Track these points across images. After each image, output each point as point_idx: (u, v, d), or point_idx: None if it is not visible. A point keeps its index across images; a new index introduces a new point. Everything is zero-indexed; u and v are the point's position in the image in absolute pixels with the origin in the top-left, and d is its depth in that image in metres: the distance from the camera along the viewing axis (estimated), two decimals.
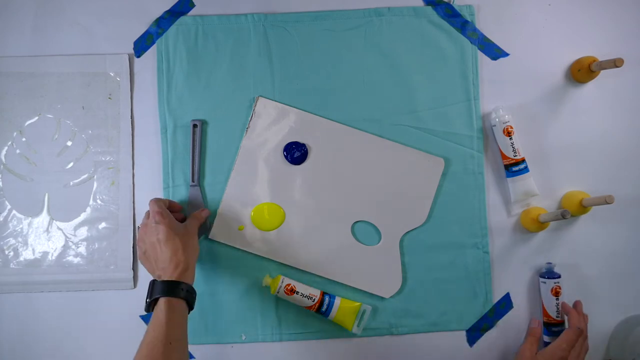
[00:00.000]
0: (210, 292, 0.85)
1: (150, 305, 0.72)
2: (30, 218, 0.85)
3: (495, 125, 0.86)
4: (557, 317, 0.84)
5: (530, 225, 0.85)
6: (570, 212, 0.78)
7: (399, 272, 0.85)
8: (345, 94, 0.87)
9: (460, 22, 0.88)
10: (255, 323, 0.85)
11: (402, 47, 0.87)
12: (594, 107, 0.88)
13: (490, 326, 0.86)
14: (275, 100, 0.86)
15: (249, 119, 0.86)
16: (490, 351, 0.86)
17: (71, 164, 0.86)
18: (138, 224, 0.85)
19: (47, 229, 0.85)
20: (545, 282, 0.85)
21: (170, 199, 0.85)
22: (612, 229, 0.87)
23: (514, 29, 0.89)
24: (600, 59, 0.85)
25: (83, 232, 0.85)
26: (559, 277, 0.84)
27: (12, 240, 0.85)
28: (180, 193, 0.85)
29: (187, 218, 0.81)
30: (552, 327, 0.84)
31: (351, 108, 0.86)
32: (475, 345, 0.86)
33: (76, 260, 0.85)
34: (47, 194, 0.86)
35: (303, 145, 0.85)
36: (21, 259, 0.85)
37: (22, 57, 0.86)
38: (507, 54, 0.88)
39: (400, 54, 0.87)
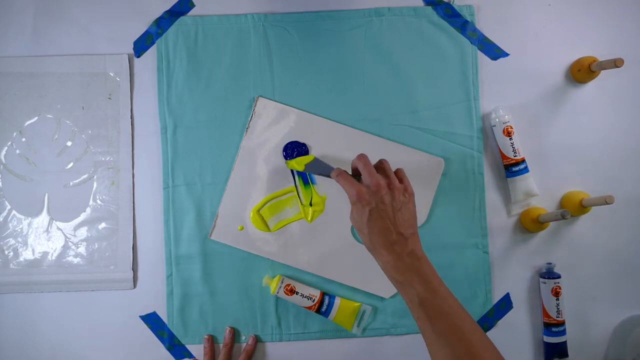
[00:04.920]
0: (210, 292, 0.85)
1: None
2: (30, 218, 0.85)
3: (495, 125, 0.86)
4: (557, 317, 0.84)
5: (530, 226, 0.85)
6: (570, 212, 0.78)
7: None
8: (345, 94, 0.87)
9: (460, 22, 0.88)
10: (255, 323, 0.85)
11: (402, 47, 0.87)
12: (594, 107, 0.88)
13: (490, 326, 0.86)
14: (275, 101, 0.86)
15: (249, 119, 0.86)
16: None
17: (71, 164, 0.86)
18: (138, 224, 0.85)
19: (47, 229, 0.85)
20: (545, 282, 0.85)
21: (170, 199, 0.85)
22: (612, 229, 0.87)
23: (514, 29, 0.89)
24: (600, 59, 0.85)
25: (83, 232, 0.85)
26: (559, 277, 0.84)
27: (12, 241, 0.85)
28: (180, 193, 0.85)
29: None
30: (552, 328, 0.84)
31: (351, 108, 0.86)
32: None
33: (76, 260, 0.85)
34: (47, 194, 0.86)
35: (303, 145, 0.85)
36: (21, 259, 0.85)
37: (22, 57, 0.86)
38: (507, 54, 0.88)
39: (400, 54, 0.87)
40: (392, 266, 0.64)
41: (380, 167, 0.71)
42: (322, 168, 0.80)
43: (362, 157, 0.70)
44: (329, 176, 0.75)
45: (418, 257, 0.65)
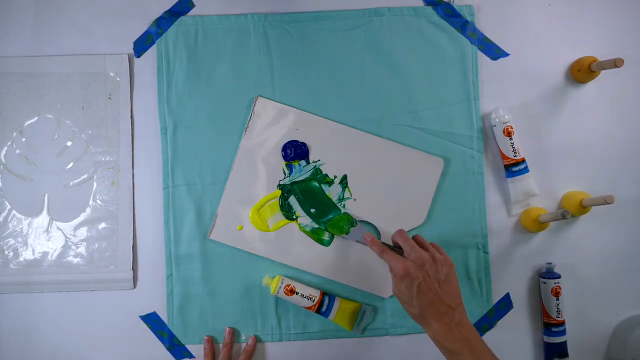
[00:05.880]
0: (210, 292, 0.85)
1: None
2: (30, 218, 0.85)
3: (495, 125, 0.86)
4: (557, 317, 0.84)
5: (530, 226, 0.85)
6: (570, 212, 0.78)
7: None
8: (345, 94, 0.87)
9: (460, 22, 0.88)
10: (255, 323, 0.85)
11: (402, 47, 0.87)
12: (594, 107, 0.88)
13: (490, 326, 0.86)
14: (275, 100, 0.86)
15: (248, 119, 0.86)
16: None
17: (71, 164, 0.86)
18: (138, 224, 0.85)
19: (47, 229, 0.85)
20: (545, 282, 0.85)
21: (170, 199, 0.85)
22: (612, 229, 0.87)
23: (514, 29, 0.89)
24: (600, 59, 0.85)
25: (83, 232, 0.85)
26: (559, 277, 0.84)
27: (12, 241, 0.85)
28: (180, 193, 0.85)
29: None
30: (552, 328, 0.84)
31: (351, 108, 0.86)
32: None
33: (76, 260, 0.85)
34: (47, 194, 0.86)
35: (302, 144, 0.85)
36: (21, 259, 0.85)
37: (22, 57, 0.86)
38: (507, 54, 0.88)
39: (400, 54, 0.87)
40: (442, 336, 0.67)
41: (418, 241, 0.74)
42: (359, 234, 0.83)
43: (401, 232, 0.73)
44: (364, 242, 0.80)
45: (465, 325, 0.68)
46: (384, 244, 0.76)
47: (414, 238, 0.74)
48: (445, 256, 0.72)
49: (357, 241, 0.83)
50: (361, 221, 0.85)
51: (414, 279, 0.68)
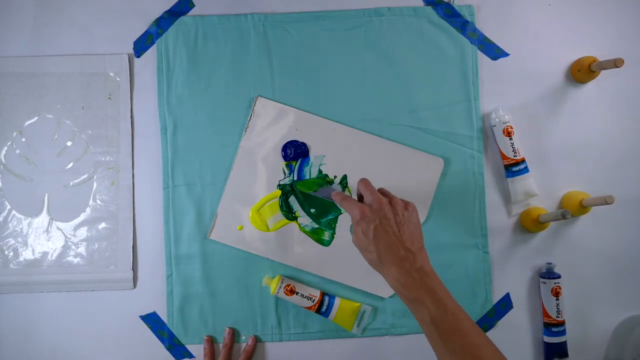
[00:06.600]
0: (210, 292, 0.85)
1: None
2: (30, 218, 0.85)
3: (495, 125, 0.86)
4: (557, 317, 0.84)
5: (530, 226, 0.85)
6: (570, 212, 0.78)
7: None
8: (345, 94, 0.87)
9: (460, 22, 0.88)
10: (255, 323, 0.85)
11: (402, 47, 0.87)
12: (594, 107, 0.88)
13: (490, 326, 0.86)
14: (275, 100, 0.86)
15: (248, 119, 0.86)
16: None
17: (71, 164, 0.86)
18: (138, 224, 0.85)
19: (47, 229, 0.85)
20: (545, 282, 0.85)
21: (170, 199, 0.85)
22: (612, 229, 0.87)
23: (514, 29, 0.89)
24: (600, 59, 0.85)
25: (83, 232, 0.85)
26: (559, 277, 0.84)
27: (12, 241, 0.85)
28: (180, 193, 0.85)
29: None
30: (552, 328, 0.84)
31: (351, 108, 0.86)
32: None
33: (76, 260, 0.85)
34: (46, 194, 0.86)
35: (302, 144, 0.85)
36: (21, 259, 0.85)
37: (22, 57, 0.86)
38: (507, 54, 0.88)
39: (400, 54, 0.87)
40: (401, 284, 0.64)
41: (382, 191, 0.72)
42: (326, 191, 0.82)
43: (363, 180, 0.71)
44: (330, 198, 0.77)
45: (426, 272, 0.64)
46: (347, 195, 0.74)
47: (379, 189, 0.71)
48: (406, 201, 0.69)
49: (324, 197, 0.82)
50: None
51: (369, 222, 0.65)
